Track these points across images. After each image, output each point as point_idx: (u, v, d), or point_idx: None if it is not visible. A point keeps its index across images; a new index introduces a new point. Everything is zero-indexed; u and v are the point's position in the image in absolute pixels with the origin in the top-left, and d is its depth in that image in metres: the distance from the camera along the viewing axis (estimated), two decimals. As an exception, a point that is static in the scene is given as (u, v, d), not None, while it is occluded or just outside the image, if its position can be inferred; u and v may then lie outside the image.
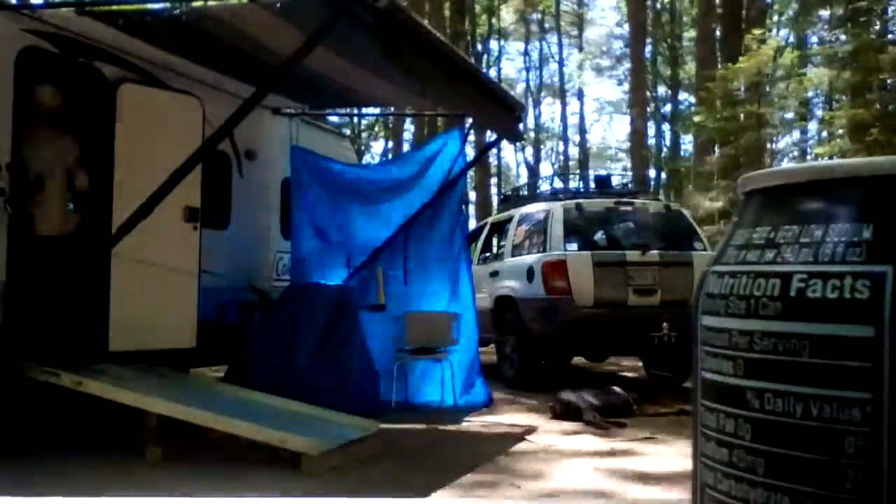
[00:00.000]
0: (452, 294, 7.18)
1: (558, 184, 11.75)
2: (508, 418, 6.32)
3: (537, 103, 36.93)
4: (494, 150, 27.66)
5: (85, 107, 5.76)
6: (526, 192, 10.82)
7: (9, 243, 4.87)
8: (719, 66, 15.29)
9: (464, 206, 7.90)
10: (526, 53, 37.05)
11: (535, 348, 7.74)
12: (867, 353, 0.45)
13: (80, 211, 5.56)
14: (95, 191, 5.54)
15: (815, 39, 23.61)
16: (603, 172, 22.30)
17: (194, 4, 4.71)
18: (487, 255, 9.85)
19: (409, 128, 27.29)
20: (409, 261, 7.16)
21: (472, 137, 11.03)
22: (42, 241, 5.29)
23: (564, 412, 6.11)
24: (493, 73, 32.23)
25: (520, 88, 35.50)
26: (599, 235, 7.92)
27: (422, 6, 19.50)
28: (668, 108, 32.12)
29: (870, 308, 0.45)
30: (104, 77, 5.55)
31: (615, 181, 10.64)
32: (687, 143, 27.77)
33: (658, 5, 29.37)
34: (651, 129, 28.97)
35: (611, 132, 43.75)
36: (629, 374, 9.03)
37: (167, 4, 4.84)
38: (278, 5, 4.45)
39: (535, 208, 8.64)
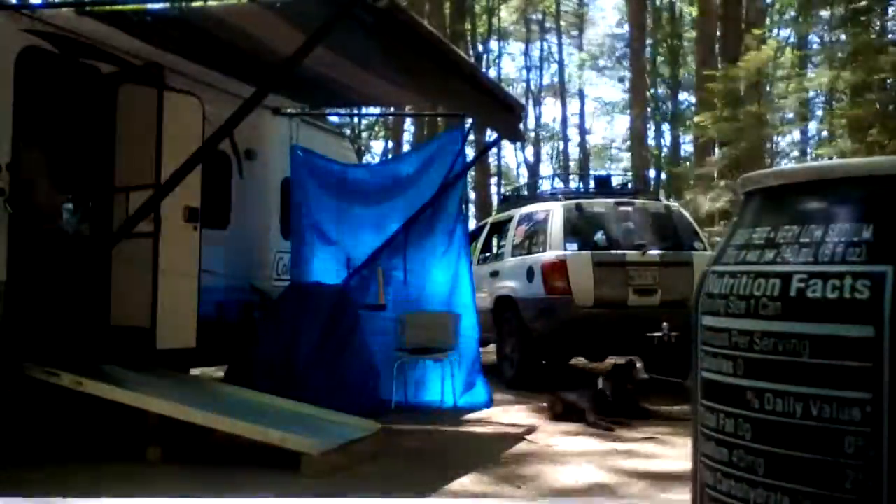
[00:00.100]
0: (452, 294, 7.18)
1: (558, 184, 11.76)
2: (508, 418, 6.32)
3: (538, 103, 36.95)
4: (494, 150, 27.66)
5: (85, 107, 5.75)
6: (526, 192, 10.82)
7: (9, 243, 4.87)
8: (719, 66, 15.29)
9: (464, 206, 7.90)
10: (526, 53, 37.07)
11: (535, 348, 7.74)
12: (867, 353, 0.45)
13: (79, 210, 5.56)
14: (95, 191, 5.54)
15: (815, 39, 23.64)
16: (603, 172, 22.34)
17: (194, 4, 4.71)
18: (487, 255, 9.85)
19: (409, 128, 27.30)
20: (409, 261, 7.16)
21: (472, 137, 11.03)
22: (42, 240, 5.29)
23: (565, 413, 6.11)
24: (493, 73, 32.23)
25: (520, 88, 35.51)
26: (599, 235, 7.92)
27: (422, 6, 19.50)
28: (668, 107, 32.11)
29: (870, 308, 0.45)
30: (104, 77, 5.55)
31: (615, 181, 10.64)
32: (687, 143, 27.78)
33: (658, 4, 29.34)
34: (651, 129, 28.98)
35: (611, 132, 43.68)
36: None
37: (167, 4, 4.85)
38: (278, 5, 4.45)
39: (535, 208, 8.64)
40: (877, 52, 12.80)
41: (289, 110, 7.47)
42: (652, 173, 26.22)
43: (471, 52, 26.72)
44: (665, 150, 31.13)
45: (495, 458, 4.91)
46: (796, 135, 23.61)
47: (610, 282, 7.45)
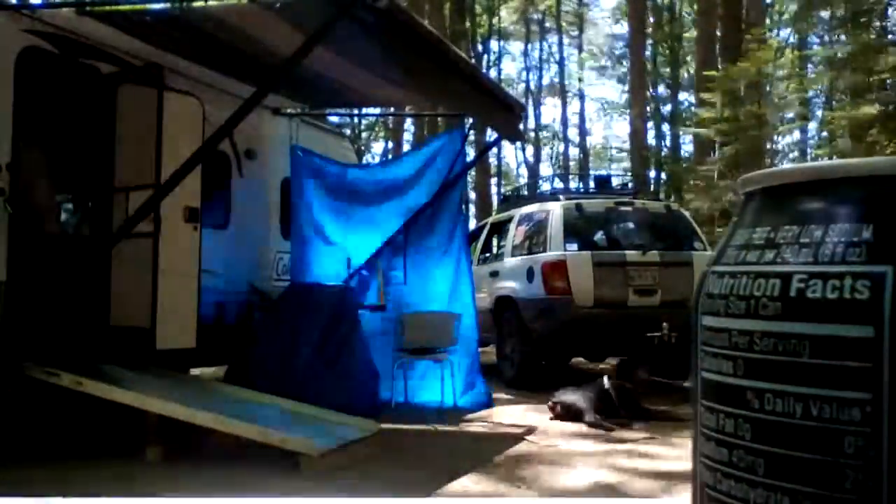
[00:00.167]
0: (452, 294, 7.17)
1: (558, 184, 11.75)
2: (508, 418, 6.32)
3: (538, 103, 36.94)
4: (494, 150, 27.67)
5: (85, 107, 5.75)
6: (526, 192, 10.82)
7: (9, 243, 4.87)
8: (719, 66, 15.28)
9: (464, 206, 7.90)
10: (526, 53, 37.07)
11: (535, 348, 7.73)
12: (867, 354, 0.45)
13: (79, 210, 5.56)
14: (95, 191, 5.54)
15: (815, 40, 23.64)
16: (603, 172, 22.35)
17: (194, 4, 4.71)
18: (487, 255, 9.85)
19: (409, 128, 27.31)
20: (409, 261, 7.15)
21: (472, 137, 11.03)
22: (42, 241, 5.29)
23: (565, 413, 6.11)
24: (493, 73, 32.24)
25: (520, 88, 35.50)
26: (599, 235, 7.92)
27: (422, 6, 19.49)
28: (668, 108, 32.12)
29: (870, 308, 0.45)
30: (104, 77, 5.55)
31: (615, 181, 10.65)
32: (687, 143, 27.77)
33: (658, 4, 29.34)
34: (651, 129, 28.98)
35: (611, 132, 43.67)
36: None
37: (167, 4, 4.84)
38: (278, 5, 4.45)
39: (535, 208, 8.63)
40: (877, 52, 12.79)
41: (289, 110, 7.46)
42: (652, 173, 26.21)
43: (471, 52, 26.72)
44: (665, 150, 31.12)
45: (495, 458, 4.91)
46: (796, 135, 23.61)
47: (610, 282, 7.45)
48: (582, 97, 37.42)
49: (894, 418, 0.45)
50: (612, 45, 35.37)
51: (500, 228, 9.67)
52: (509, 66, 40.16)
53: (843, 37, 15.95)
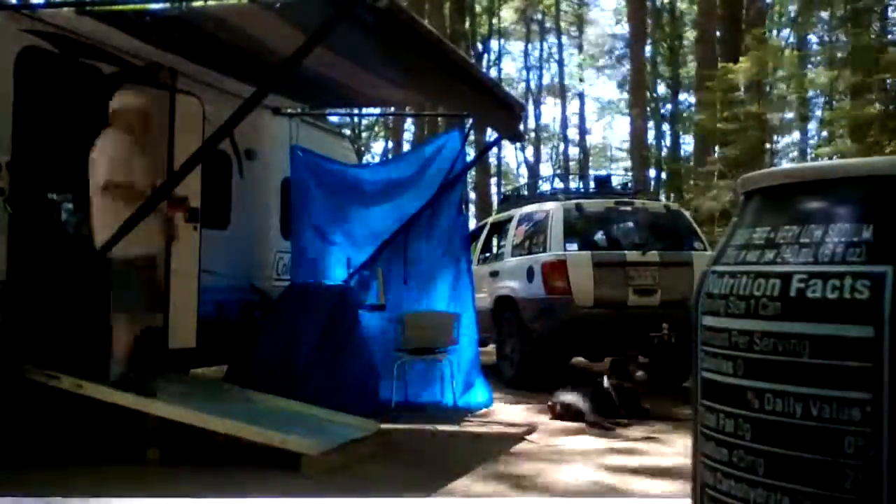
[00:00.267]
0: (452, 294, 7.18)
1: (558, 184, 11.75)
2: (508, 418, 6.32)
3: (538, 103, 36.95)
4: (494, 150, 27.66)
5: (85, 107, 5.75)
6: (526, 192, 10.82)
7: (9, 243, 4.87)
8: (719, 66, 15.29)
9: (464, 206, 7.90)
10: (526, 53, 37.07)
11: (535, 348, 7.73)
12: (867, 354, 0.45)
13: (79, 210, 5.56)
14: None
15: (815, 40, 23.65)
16: (603, 172, 22.34)
17: (194, 4, 4.71)
18: (487, 255, 9.85)
19: (409, 128, 27.30)
20: (409, 261, 7.15)
21: (472, 137, 11.03)
22: (42, 241, 5.29)
23: (565, 412, 6.11)
24: (493, 73, 32.22)
25: (520, 88, 35.52)
26: (599, 235, 7.92)
27: (422, 6, 19.50)
28: (668, 108, 32.13)
29: (870, 308, 0.45)
30: (104, 77, 5.55)
31: (615, 181, 10.64)
32: (687, 143, 27.78)
33: (658, 4, 29.35)
34: (651, 129, 28.98)
35: (611, 132, 43.72)
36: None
37: (167, 4, 4.84)
38: (278, 5, 4.45)
39: (535, 208, 8.63)
40: (877, 52, 12.80)
41: (289, 110, 7.47)
42: (652, 173, 26.22)
43: (471, 52, 26.72)
44: (665, 150, 31.14)
45: (495, 458, 4.91)
46: (796, 135, 23.61)
47: (610, 282, 7.45)
48: (582, 97, 37.47)
49: (894, 418, 0.45)
50: (612, 45, 35.39)
51: (500, 228, 9.67)
52: (509, 66, 40.19)
53: (843, 37, 15.95)
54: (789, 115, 18.23)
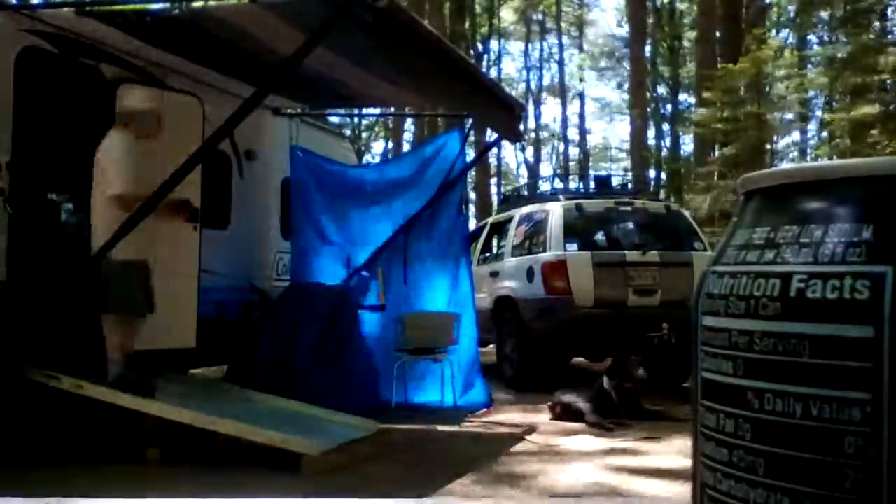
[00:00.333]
0: (452, 294, 7.18)
1: (558, 184, 11.75)
2: (508, 418, 6.32)
3: (538, 103, 36.95)
4: (494, 150, 27.65)
5: (85, 107, 5.75)
6: (526, 192, 10.81)
7: (9, 243, 4.87)
8: (719, 66, 15.29)
9: (464, 206, 7.90)
10: (526, 53, 37.08)
11: (535, 348, 7.73)
12: (867, 354, 0.45)
13: (79, 210, 5.55)
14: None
15: (814, 40, 23.64)
16: (603, 173, 22.33)
17: (194, 4, 4.71)
18: (487, 255, 9.85)
19: (409, 128, 27.30)
20: (409, 261, 7.15)
21: (472, 137, 11.03)
22: (42, 241, 5.29)
23: (564, 413, 6.11)
24: (493, 73, 32.23)
25: (520, 88, 35.51)
26: (599, 235, 7.92)
27: (422, 6, 19.49)
28: (668, 108, 32.13)
29: (870, 308, 0.45)
30: (104, 77, 5.55)
31: (615, 181, 10.63)
32: (687, 143, 27.78)
33: (658, 5, 29.34)
34: (651, 130, 28.98)
35: (611, 132, 43.73)
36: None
37: (167, 4, 4.84)
38: (278, 5, 4.45)
39: (535, 208, 8.63)
40: (876, 52, 12.80)
41: (289, 110, 7.47)
42: (652, 173, 26.22)
43: (471, 52, 26.71)
44: (665, 150, 31.14)
45: (495, 458, 4.91)
46: (796, 135, 23.62)
47: (610, 282, 7.45)
48: (582, 97, 37.46)
49: (894, 418, 0.45)
50: (612, 45, 35.38)
51: (500, 228, 9.66)
52: (509, 66, 40.18)
53: (842, 37, 15.94)
54: (789, 115, 18.22)
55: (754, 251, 0.53)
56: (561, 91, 36.20)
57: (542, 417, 6.23)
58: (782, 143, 22.46)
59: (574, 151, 37.97)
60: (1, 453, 4.30)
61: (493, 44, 34.63)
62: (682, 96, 30.78)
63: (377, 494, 3.81)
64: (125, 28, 5.07)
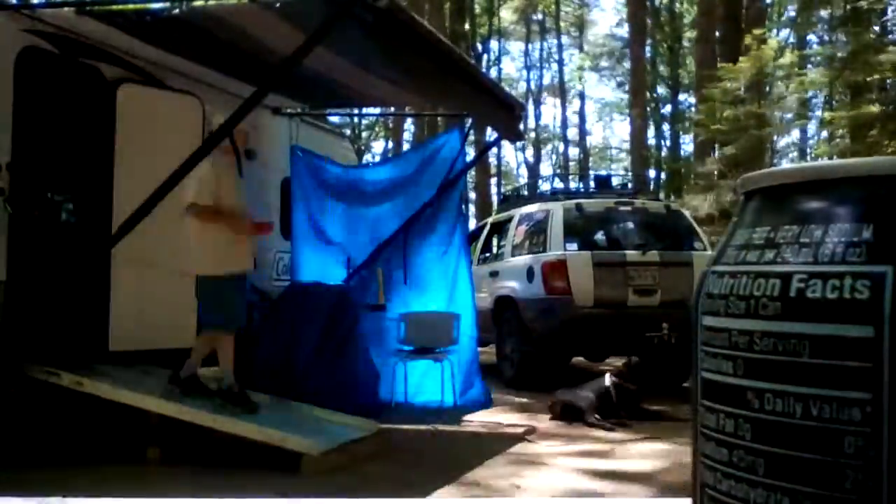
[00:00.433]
0: (452, 294, 7.18)
1: (558, 184, 11.76)
2: (508, 418, 6.32)
3: (538, 103, 36.96)
4: (494, 150, 27.65)
5: (85, 107, 5.75)
6: (526, 192, 10.82)
7: (9, 243, 4.87)
8: (719, 66, 15.29)
9: (464, 206, 7.90)
10: (526, 53, 37.09)
11: (534, 348, 7.74)
12: (867, 354, 0.45)
13: (79, 210, 5.56)
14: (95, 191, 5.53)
15: (814, 40, 23.65)
16: (603, 172, 22.34)
17: (194, 4, 4.71)
18: (487, 255, 9.85)
19: (409, 128, 27.31)
20: (409, 261, 7.15)
21: (472, 137, 11.03)
22: (42, 240, 5.29)
23: (565, 413, 6.11)
24: (493, 73, 32.23)
25: (520, 88, 35.53)
26: (599, 235, 7.92)
27: (422, 6, 19.49)
28: (668, 108, 32.14)
29: (870, 308, 0.45)
30: (104, 77, 5.55)
31: (615, 181, 10.64)
32: (687, 143, 27.79)
33: (658, 4, 29.35)
34: (651, 129, 28.99)
35: (611, 132, 43.76)
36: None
37: (167, 4, 4.85)
38: (278, 5, 4.45)
39: (535, 208, 8.64)
40: (876, 52, 12.80)
41: (289, 110, 7.47)
42: (652, 173, 26.23)
43: (471, 52, 26.71)
44: (665, 150, 31.15)
45: (495, 458, 4.91)
46: (796, 135, 23.63)
47: (610, 282, 7.45)
48: (582, 97, 37.47)
49: (894, 418, 0.45)
50: (612, 45, 35.38)
51: (500, 228, 9.67)
52: (509, 66, 40.23)
53: (842, 37, 15.94)
54: (789, 115, 18.23)
55: (754, 251, 0.53)
56: (561, 91, 36.21)
57: (542, 417, 6.24)
58: (782, 142, 22.48)
59: (574, 151, 38.02)
60: (1, 453, 4.30)
61: (493, 44, 34.67)
62: (682, 96, 30.82)
63: (377, 494, 3.81)
64: (125, 28, 5.07)
